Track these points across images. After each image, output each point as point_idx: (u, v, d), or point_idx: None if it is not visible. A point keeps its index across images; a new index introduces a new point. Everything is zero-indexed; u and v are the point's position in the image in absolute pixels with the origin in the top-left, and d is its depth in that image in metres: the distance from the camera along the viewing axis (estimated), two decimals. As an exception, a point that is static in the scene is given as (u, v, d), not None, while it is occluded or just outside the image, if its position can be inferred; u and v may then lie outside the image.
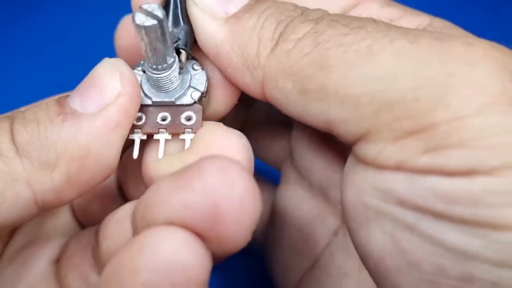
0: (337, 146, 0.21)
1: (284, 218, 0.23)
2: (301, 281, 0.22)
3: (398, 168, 0.14)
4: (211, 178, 0.13)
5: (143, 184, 0.19)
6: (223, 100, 0.18)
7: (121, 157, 0.17)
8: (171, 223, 0.13)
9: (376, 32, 0.15)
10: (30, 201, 0.15)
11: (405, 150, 0.14)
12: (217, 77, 0.18)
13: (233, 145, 0.16)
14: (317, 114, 0.15)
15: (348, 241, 0.21)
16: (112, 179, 0.22)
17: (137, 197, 0.19)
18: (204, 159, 0.14)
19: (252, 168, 0.17)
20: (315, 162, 0.22)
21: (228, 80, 0.18)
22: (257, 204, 0.13)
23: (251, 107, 0.26)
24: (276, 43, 0.16)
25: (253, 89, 0.17)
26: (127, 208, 0.17)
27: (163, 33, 0.16)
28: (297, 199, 0.23)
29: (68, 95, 0.16)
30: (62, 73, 0.35)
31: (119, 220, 0.17)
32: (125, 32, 0.20)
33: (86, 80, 0.16)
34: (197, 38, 0.18)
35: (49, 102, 0.16)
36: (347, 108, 0.14)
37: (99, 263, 0.17)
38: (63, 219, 0.21)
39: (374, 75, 0.14)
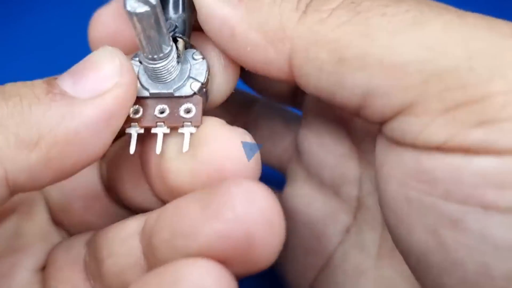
0: (351, 140, 0.21)
1: (293, 218, 0.22)
2: (316, 281, 0.21)
3: (445, 147, 0.13)
4: (241, 206, 0.13)
5: (142, 181, 0.18)
6: (219, 88, 0.18)
7: (111, 151, 0.16)
8: (203, 253, 0.13)
9: (419, 5, 0.14)
10: (1, 180, 0.14)
11: (456, 123, 0.13)
12: (216, 66, 0.17)
13: (238, 145, 0.16)
14: (354, 86, 0.14)
15: (362, 238, 0.21)
16: (95, 175, 0.21)
17: (134, 196, 0.19)
18: (230, 183, 0.14)
19: (260, 168, 0.16)
20: (325, 158, 0.21)
21: (246, 62, 0.17)
22: (282, 223, 0.14)
23: (250, 110, 0.25)
24: (305, 13, 0.15)
25: (278, 65, 0.16)
26: (134, 225, 0.16)
27: (156, 20, 0.15)
28: (306, 198, 0.22)
29: (56, 77, 0.15)
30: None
31: (125, 238, 0.16)
32: (99, 26, 0.20)
33: (82, 63, 0.15)
34: (207, 26, 0.17)
35: (35, 80, 0.15)
36: (392, 77, 0.14)
37: (99, 280, 0.17)
38: (40, 221, 0.20)
39: (423, 44, 0.13)
